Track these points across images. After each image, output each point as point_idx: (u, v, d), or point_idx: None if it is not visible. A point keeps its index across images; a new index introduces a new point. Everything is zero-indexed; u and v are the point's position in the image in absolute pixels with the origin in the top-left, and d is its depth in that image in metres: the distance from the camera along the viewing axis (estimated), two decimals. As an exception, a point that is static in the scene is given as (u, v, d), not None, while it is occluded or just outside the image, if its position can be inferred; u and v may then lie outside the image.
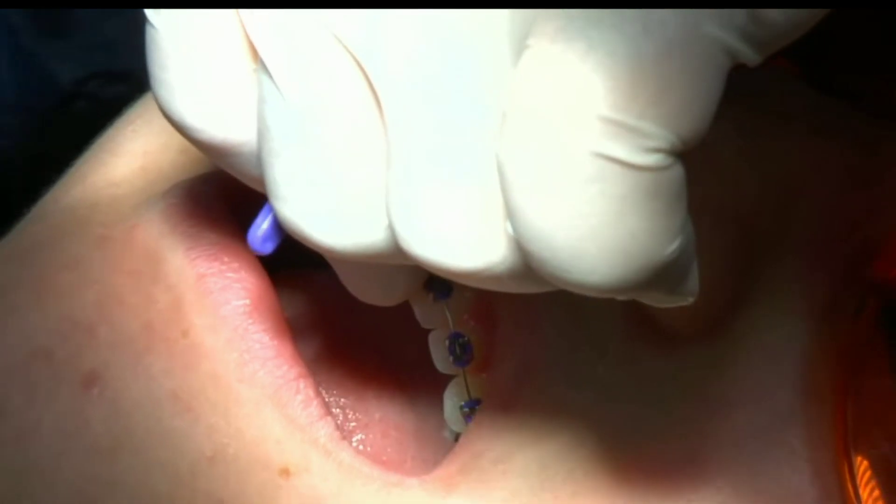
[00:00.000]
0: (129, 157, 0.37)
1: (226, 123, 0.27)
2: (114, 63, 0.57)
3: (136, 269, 0.33)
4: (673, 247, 0.23)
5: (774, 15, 0.23)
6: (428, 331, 0.35)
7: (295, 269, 0.37)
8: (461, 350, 0.35)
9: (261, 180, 0.27)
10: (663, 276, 0.24)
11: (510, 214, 0.23)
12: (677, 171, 0.23)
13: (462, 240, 0.25)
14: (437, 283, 0.34)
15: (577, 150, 0.22)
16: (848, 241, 0.33)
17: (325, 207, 0.26)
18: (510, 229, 0.24)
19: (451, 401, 0.35)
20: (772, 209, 0.32)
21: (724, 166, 0.31)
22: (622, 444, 0.32)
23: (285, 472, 0.32)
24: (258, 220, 0.29)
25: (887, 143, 0.34)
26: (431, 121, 0.24)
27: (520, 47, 0.24)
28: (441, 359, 0.35)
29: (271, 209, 0.27)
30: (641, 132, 0.22)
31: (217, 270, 0.33)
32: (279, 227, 0.28)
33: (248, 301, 0.33)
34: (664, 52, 0.22)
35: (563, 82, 0.22)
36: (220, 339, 0.32)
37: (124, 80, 0.57)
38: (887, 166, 0.34)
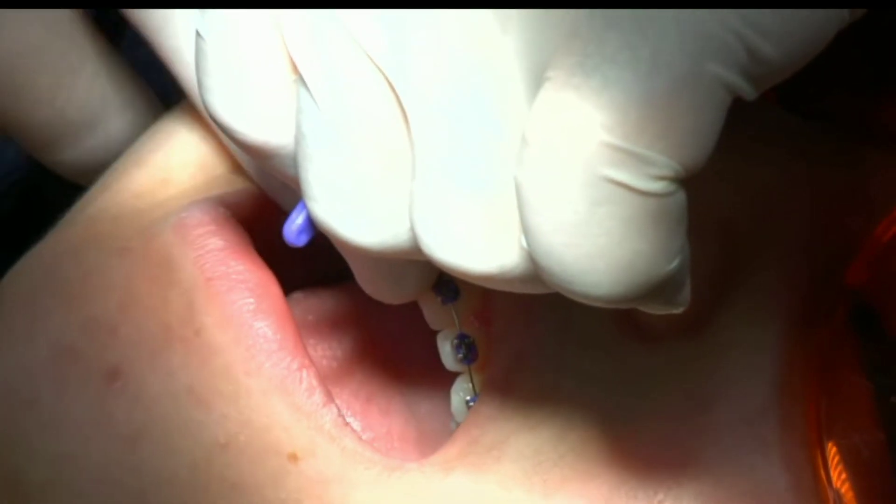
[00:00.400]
0: (152, 169, 0.39)
1: (267, 128, 0.30)
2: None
3: (154, 275, 0.35)
4: (673, 265, 0.25)
5: (771, 53, 0.24)
6: (433, 332, 0.37)
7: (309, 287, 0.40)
8: (467, 349, 0.36)
9: (296, 180, 0.29)
10: (662, 290, 0.26)
11: (525, 231, 0.25)
12: (680, 196, 0.25)
13: (478, 246, 0.27)
14: (445, 287, 0.36)
15: (588, 175, 0.24)
16: (822, 250, 0.34)
17: (353, 208, 0.28)
18: (524, 243, 0.25)
19: (458, 395, 0.36)
20: (749, 222, 0.34)
21: (705, 183, 0.33)
22: (609, 431, 0.33)
23: (293, 457, 0.33)
24: (293, 215, 0.31)
25: (862, 159, 0.35)
26: (453, 138, 0.26)
27: (536, 73, 0.26)
28: (448, 357, 0.36)
29: (305, 206, 0.30)
30: (649, 161, 0.24)
31: (223, 273, 0.35)
32: (312, 223, 0.30)
33: (252, 300, 0.34)
34: (672, 89, 0.24)
35: (579, 114, 0.24)
36: (229, 335, 0.34)
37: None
38: (861, 181, 0.35)
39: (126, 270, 0.35)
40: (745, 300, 0.34)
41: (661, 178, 0.24)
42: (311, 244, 0.34)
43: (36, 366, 0.34)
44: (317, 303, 0.39)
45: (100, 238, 0.37)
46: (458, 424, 0.36)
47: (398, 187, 0.28)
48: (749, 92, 0.25)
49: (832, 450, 0.33)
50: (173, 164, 0.39)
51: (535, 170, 0.25)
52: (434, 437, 0.37)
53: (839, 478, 0.33)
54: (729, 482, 0.33)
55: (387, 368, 0.39)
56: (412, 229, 0.28)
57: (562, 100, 0.24)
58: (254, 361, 0.34)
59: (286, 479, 0.33)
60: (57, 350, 0.34)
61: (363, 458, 0.34)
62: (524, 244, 0.26)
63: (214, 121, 0.30)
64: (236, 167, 0.39)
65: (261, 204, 0.38)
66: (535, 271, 0.26)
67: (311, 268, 0.40)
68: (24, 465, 0.34)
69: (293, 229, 0.31)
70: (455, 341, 0.36)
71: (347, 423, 0.34)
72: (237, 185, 0.38)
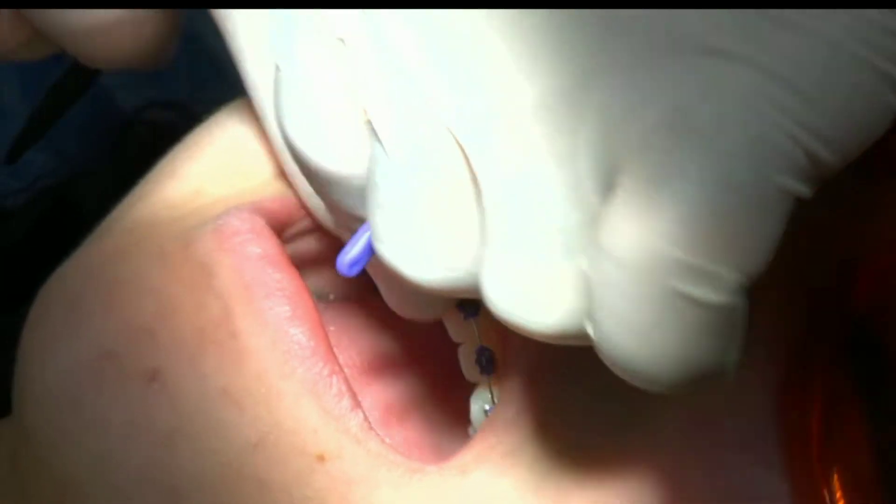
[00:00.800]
0: (186, 180, 0.40)
1: (338, 158, 0.31)
2: (168, 93, 0.61)
3: (191, 280, 0.36)
4: (730, 362, 0.27)
5: (829, 157, 0.25)
6: (449, 343, 0.38)
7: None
8: (486, 361, 0.37)
9: (352, 210, 0.32)
10: (718, 379, 0.27)
11: (592, 320, 0.27)
12: (742, 303, 0.26)
13: (540, 312, 0.28)
14: (467, 303, 0.37)
15: (658, 287, 0.25)
16: (819, 279, 0.35)
17: (419, 254, 0.30)
18: (591, 332, 0.27)
19: (477, 405, 0.37)
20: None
21: None
22: (620, 444, 0.35)
23: (321, 458, 0.34)
24: (347, 247, 0.32)
25: (863, 197, 0.36)
26: (524, 215, 0.28)
27: (606, 169, 0.27)
28: (469, 368, 0.37)
29: (358, 239, 0.32)
30: (716, 276, 0.25)
31: (261, 281, 0.36)
32: (364, 256, 0.32)
33: (288, 307, 0.35)
34: (740, 205, 0.25)
35: (649, 227, 0.25)
36: (264, 340, 0.35)
37: (176, 109, 0.60)
38: (860, 217, 0.36)
39: (164, 276, 0.36)
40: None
41: (726, 290, 0.26)
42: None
43: (78, 368, 0.36)
44: (337, 314, 0.40)
45: (138, 244, 0.38)
46: (475, 431, 0.37)
47: (464, 239, 0.29)
48: (807, 194, 0.26)
49: (832, 471, 0.34)
50: (205, 174, 0.40)
51: (606, 273, 0.26)
52: (449, 445, 0.38)
53: (839, 497, 0.34)
54: (730, 499, 0.34)
55: (405, 378, 0.40)
56: (476, 281, 0.29)
57: (633, 210, 0.26)
58: (287, 366, 0.35)
59: (313, 478, 0.34)
60: (98, 353, 0.35)
61: (387, 460, 0.35)
62: (591, 333, 0.27)
63: (289, 146, 0.32)
64: (267, 178, 0.40)
65: (292, 212, 0.39)
66: (586, 337, 0.28)
67: (337, 278, 0.41)
68: (65, 463, 0.35)
69: (346, 261, 0.32)
70: (475, 353, 0.37)
71: (372, 428, 0.35)
72: (267, 193, 0.39)
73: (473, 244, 0.29)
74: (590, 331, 0.27)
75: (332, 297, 0.42)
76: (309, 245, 0.41)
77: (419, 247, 0.30)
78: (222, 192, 0.40)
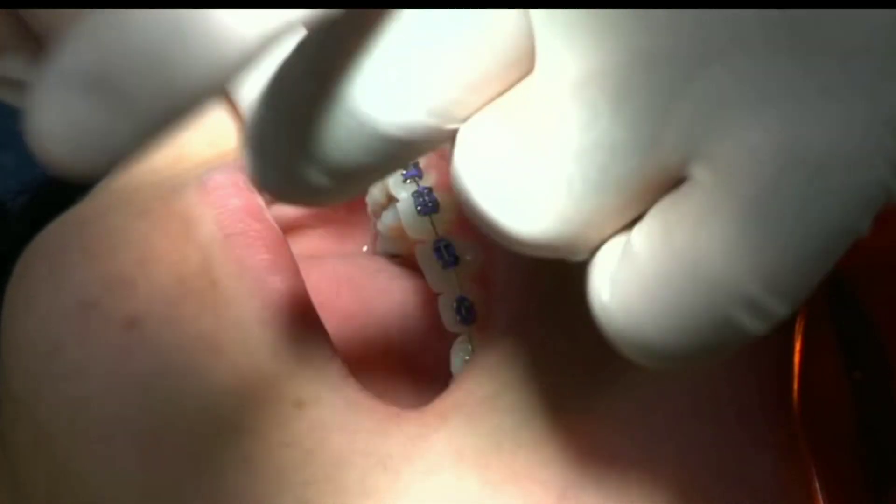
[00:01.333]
0: (168, 149, 0.40)
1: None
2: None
3: (173, 232, 0.36)
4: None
5: None
6: (431, 296, 0.38)
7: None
8: (466, 311, 0.37)
9: None
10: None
11: (614, 290, 0.27)
12: None
13: (529, 213, 0.27)
14: (445, 253, 0.37)
15: (715, 306, 0.25)
16: None
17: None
18: (604, 295, 0.27)
19: (458, 355, 0.38)
20: None
21: None
22: (600, 397, 0.35)
23: (298, 404, 0.34)
24: None
25: None
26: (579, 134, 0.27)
27: (687, 145, 0.26)
28: (449, 319, 0.38)
29: None
30: (773, 313, 0.25)
31: (241, 230, 0.36)
32: None
33: (267, 256, 0.36)
34: (823, 250, 0.25)
35: (732, 252, 0.25)
36: (243, 288, 0.35)
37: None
38: None
39: (146, 228, 0.37)
40: None
41: (773, 324, 0.26)
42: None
43: (59, 317, 0.36)
44: (319, 263, 0.40)
45: (121, 204, 0.38)
46: (456, 381, 0.37)
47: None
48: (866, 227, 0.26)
49: (809, 415, 0.34)
50: (185, 142, 0.41)
51: (662, 260, 0.26)
52: (431, 391, 0.38)
53: (813, 443, 0.34)
54: (707, 445, 0.34)
55: (387, 327, 0.40)
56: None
57: (718, 223, 0.25)
58: (266, 313, 0.35)
59: (290, 424, 0.34)
60: (78, 301, 0.36)
61: (365, 407, 0.35)
62: (599, 295, 0.27)
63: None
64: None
65: None
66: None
67: (321, 239, 0.42)
68: (46, 410, 0.36)
69: None
70: (455, 303, 0.38)
71: (351, 375, 0.35)
72: None
73: None
74: (602, 294, 0.27)
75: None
76: (295, 207, 0.41)
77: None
78: (205, 157, 0.40)
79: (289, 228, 0.41)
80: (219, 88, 0.23)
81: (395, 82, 0.27)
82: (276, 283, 0.35)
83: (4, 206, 0.58)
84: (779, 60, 0.26)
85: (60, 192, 0.57)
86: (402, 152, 0.27)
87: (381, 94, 0.26)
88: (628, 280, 0.26)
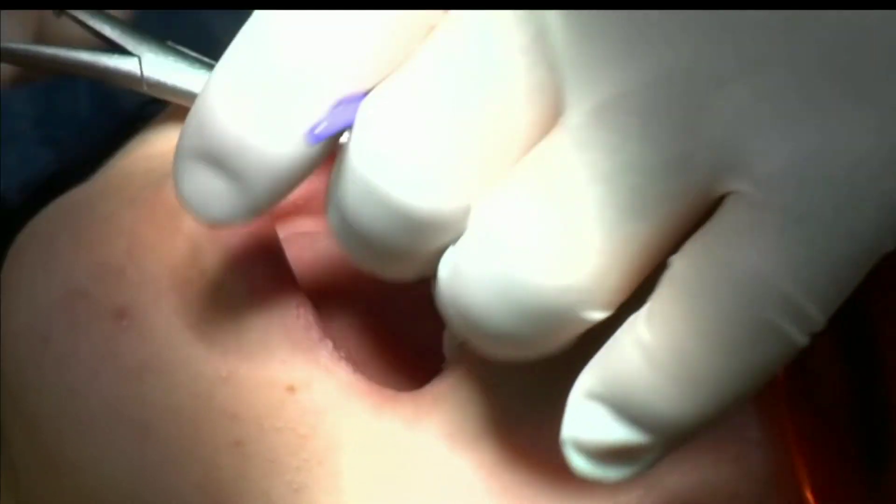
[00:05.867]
0: (165, 138, 0.41)
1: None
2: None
3: (162, 222, 0.36)
4: None
5: None
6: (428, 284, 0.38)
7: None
8: None
9: None
10: None
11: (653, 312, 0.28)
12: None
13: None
14: None
15: (754, 313, 0.26)
16: None
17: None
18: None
19: (452, 338, 0.37)
20: None
21: None
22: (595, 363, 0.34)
23: (290, 389, 0.35)
24: (322, 119, 0.30)
25: None
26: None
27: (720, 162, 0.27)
28: None
29: (339, 118, 0.30)
30: (814, 320, 0.26)
31: None
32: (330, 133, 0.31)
33: (254, 244, 0.36)
34: (856, 261, 0.26)
35: (772, 259, 0.26)
36: (232, 276, 0.35)
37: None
38: None
39: (135, 218, 0.37)
40: None
41: (810, 334, 0.26)
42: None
43: (49, 306, 0.36)
44: (312, 243, 0.40)
45: (113, 190, 0.38)
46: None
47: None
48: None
49: (798, 397, 0.35)
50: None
51: (703, 274, 0.27)
52: (424, 372, 0.38)
53: (802, 425, 0.34)
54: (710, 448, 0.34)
55: (381, 305, 0.40)
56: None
57: (758, 234, 0.26)
58: (254, 299, 0.35)
59: (283, 409, 0.34)
60: (68, 290, 0.36)
61: (357, 389, 0.35)
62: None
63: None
64: None
65: None
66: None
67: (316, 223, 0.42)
68: (36, 398, 0.36)
69: (317, 130, 0.31)
70: None
71: (342, 358, 0.35)
72: None
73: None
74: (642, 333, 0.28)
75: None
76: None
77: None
78: None
79: (286, 213, 0.41)
80: None
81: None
82: (264, 271, 0.36)
83: (5, 204, 0.58)
84: (803, 75, 0.26)
85: (61, 190, 0.57)
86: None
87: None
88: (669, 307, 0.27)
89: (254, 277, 0.35)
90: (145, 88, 0.40)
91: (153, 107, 0.60)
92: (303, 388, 0.35)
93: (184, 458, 0.34)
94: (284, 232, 0.40)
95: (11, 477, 0.39)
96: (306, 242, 0.40)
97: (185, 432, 0.34)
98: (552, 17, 0.28)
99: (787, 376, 0.34)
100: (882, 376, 0.36)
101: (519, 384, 0.35)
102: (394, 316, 0.40)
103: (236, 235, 0.36)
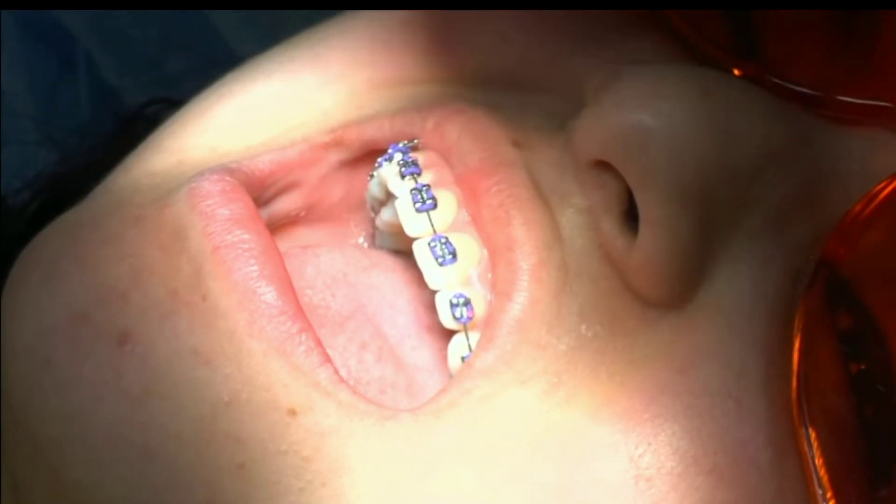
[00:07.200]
0: (167, 153, 0.41)
1: None
2: (173, 91, 0.61)
3: (165, 243, 0.36)
4: None
5: None
6: (426, 292, 0.38)
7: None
8: (464, 308, 0.37)
9: None
10: None
11: None
12: None
13: None
14: (444, 250, 0.37)
15: None
16: (803, 225, 0.36)
17: None
18: None
19: (455, 354, 0.37)
20: (733, 193, 0.35)
21: (685, 153, 0.34)
22: (596, 391, 0.35)
23: (292, 412, 0.35)
24: None
25: (840, 136, 0.37)
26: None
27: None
28: (446, 315, 0.37)
29: None
30: None
31: (229, 243, 0.36)
32: None
33: (256, 267, 0.36)
34: None
35: None
36: (233, 300, 0.35)
37: (179, 107, 0.61)
38: (840, 159, 0.37)
39: (138, 239, 0.37)
40: (730, 272, 0.36)
41: None
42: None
43: (52, 328, 0.36)
44: (313, 258, 0.40)
45: (116, 208, 0.38)
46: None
47: None
48: None
49: (809, 409, 0.34)
50: (188, 146, 0.41)
51: None
52: (425, 389, 0.38)
53: (816, 439, 0.34)
54: (705, 442, 0.34)
55: (381, 323, 0.40)
56: None
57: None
58: (256, 325, 0.35)
59: (287, 432, 0.35)
60: (71, 314, 0.36)
61: (358, 410, 0.35)
62: None
63: None
64: (250, 146, 0.41)
65: (273, 170, 0.40)
66: None
67: (319, 232, 0.42)
68: (38, 422, 0.36)
69: None
70: (452, 300, 0.37)
71: (343, 380, 0.36)
72: (248, 154, 0.40)
73: None
74: None
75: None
76: (292, 201, 0.41)
77: None
78: (206, 160, 0.40)
79: (285, 224, 0.42)
80: None
81: None
82: (265, 294, 0.36)
83: (6, 202, 0.58)
84: None
85: (62, 189, 0.58)
86: None
87: None
88: None
89: (254, 300, 0.36)
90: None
91: (153, 107, 0.61)
92: (305, 411, 0.35)
93: (187, 482, 0.34)
94: (285, 245, 0.40)
95: (11, 498, 0.39)
96: (307, 256, 0.40)
97: (188, 456, 0.35)
98: None
99: (798, 395, 0.35)
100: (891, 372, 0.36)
101: (521, 400, 0.35)
102: (396, 334, 0.40)
103: (237, 258, 0.36)
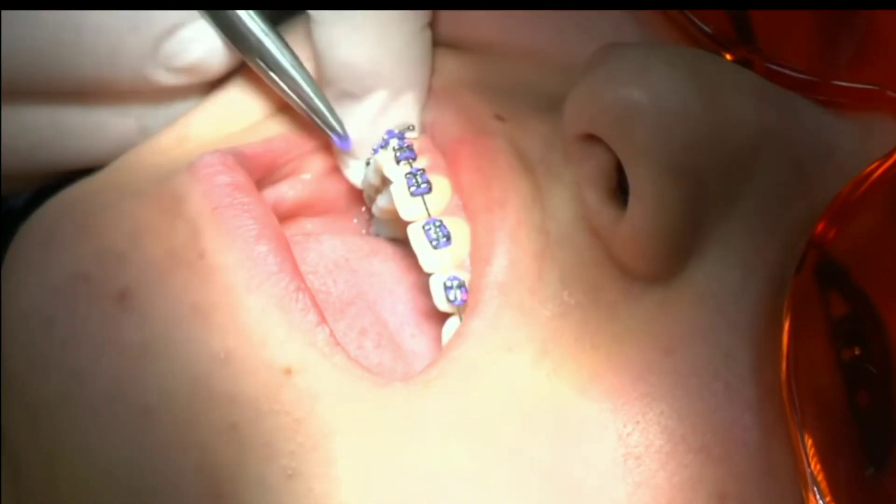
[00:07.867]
0: (174, 130, 0.41)
1: None
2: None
3: (163, 208, 0.37)
4: None
5: None
6: (421, 276, 0.39)
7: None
8: (458, 291, 0.37)
9: None
10: None
11: None
12: None
13: None
14: (438, 233, 0.38)
15: None
16: (795, 206, 0.36)
17: None
18: None
19: (449, 335, 0.38)
20: (719, 168, 0.35)
21: (677, 128, 0.35)
22: (582, 362, 0.35)
23: (287, 371, 0.35)
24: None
25: (832, 122, 0.37)
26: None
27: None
28: (440, 298, 0.38)
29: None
30: None
31: (229, 203, 0.36)
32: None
33: (255, 226, 0.36)
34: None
35: None
36: (232, 258, 0.36)
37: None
38: (833, 141, 0.37)
39: (138, 205, 0.37)
40: (719, 252, 0.36)
41: None
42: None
43: (53, 289, 0.36)
44: (315, 244, 0.41)
45: (118, 184, 0.39)
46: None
47: None
48: None
49: (799, 392, 0.34)
50: (191, 124, 0.41)
51: None
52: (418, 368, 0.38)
53: (805, 421, 0.34)
54: (694, 422, 0.34)
55: (381, 310, 0.40)
56: None
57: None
58: (254, 281, 0.35)
59: (280, 391, 0.35)
60: (70, 274, 0.36)
61: (353, 374, 0.35)
62: None
63: None
64: (253, 125, 0.41)
65: (275, 156, 0.40)
66: None
67: (320, 219, 0.43)
68: (39, 380, 0.36)
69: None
70: (447, 283, 0.38)
71: (339, 343, 0.36)
72: (252, 139, 0.40)
73: None
74: None
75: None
76: (294, 189, 0.42)
77: None
78: (211, 139, 0.41)
79: (286, 216, 0.42)
80: None
81: None
82: (264, 252, 0.36)
83: (7, 204, 0.58)
84: None
85: (62, 189, 0.58)
86: None
87: None
88: None
89: (252, 258, 0.36)
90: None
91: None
92: (300, 371, 0.35)
93: (182, 443, 0.35)
94: (288, 232, 0.40)
95: (11, 469, 0.39)
96: (310, 242, 0.40)
97: (183, 416, 0.35)
98: None
99: (788, 379, 0.35)
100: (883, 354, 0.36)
101: (509, 368, 0.35)
102: (394, 319, 0.40)
103: (236, 217, 0.36)
